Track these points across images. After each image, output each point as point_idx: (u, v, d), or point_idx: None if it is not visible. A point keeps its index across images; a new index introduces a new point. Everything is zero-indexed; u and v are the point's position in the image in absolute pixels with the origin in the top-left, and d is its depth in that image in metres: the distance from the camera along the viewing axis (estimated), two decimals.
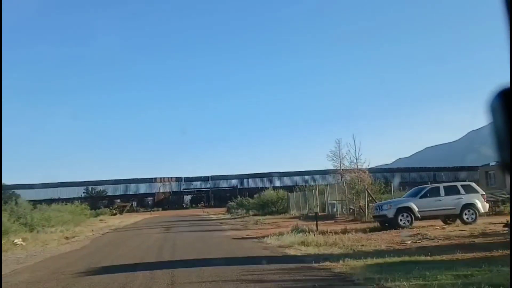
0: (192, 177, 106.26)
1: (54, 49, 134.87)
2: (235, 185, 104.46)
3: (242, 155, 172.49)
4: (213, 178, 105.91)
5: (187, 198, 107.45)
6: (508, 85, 1.31)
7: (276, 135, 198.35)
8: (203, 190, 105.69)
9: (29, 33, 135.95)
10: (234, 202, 59.84)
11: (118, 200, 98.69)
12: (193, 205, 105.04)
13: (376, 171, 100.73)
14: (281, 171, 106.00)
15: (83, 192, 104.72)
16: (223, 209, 77.12)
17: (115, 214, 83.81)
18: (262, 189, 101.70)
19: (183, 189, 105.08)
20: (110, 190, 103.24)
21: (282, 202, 40.73)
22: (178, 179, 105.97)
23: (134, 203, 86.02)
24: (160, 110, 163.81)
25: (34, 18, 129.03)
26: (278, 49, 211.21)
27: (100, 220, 52.95)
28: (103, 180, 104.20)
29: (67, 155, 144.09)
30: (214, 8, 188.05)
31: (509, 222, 15.18)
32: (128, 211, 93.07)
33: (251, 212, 44.16)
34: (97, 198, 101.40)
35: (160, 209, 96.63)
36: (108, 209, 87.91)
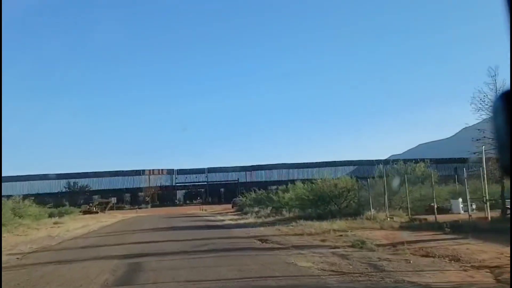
0: (186, 170, 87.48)
1: (53, 46, 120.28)
2: (236, 179, 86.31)
3: (240, 148, 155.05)
4: (211, 170, 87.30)
5: (180, 193, 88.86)
6: (509, 86, 1.23)
7: (273, 129, 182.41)
8: (199, 185, 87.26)
9: (30, 30, 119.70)
10: (245, 197, 41.71)
11: (111, 197, 79.75)
12: (187, 202, 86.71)
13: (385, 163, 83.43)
14: (288, 162, 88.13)
15: (64, 187, 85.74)
16: (225, 207, 59.27)
17: (95, 212, 65.74)
18: (268, 183, 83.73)
19: (176, 183, 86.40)
20: (94, 184, 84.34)
21: (348, 197, 22.48)
22: (170, 172, 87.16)
23: (114, 199, 66.94)
24: (157, 105, 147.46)
25: (36, 14, 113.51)
26: (280, 47, 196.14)
27: (55, 223, 34.27)
28: (83, 173, 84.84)
29: (56, 148, 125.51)
30: (215, 5, 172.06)
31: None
32: (111, 209, 75.03)
33: (285, 213, 26.17)
34: (79, 193, 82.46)
35: (149, 206, 78.49)
36: (88, 206, 69.96)
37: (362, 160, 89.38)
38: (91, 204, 71.50)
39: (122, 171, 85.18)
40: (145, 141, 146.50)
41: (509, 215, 14.60)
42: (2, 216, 27.05)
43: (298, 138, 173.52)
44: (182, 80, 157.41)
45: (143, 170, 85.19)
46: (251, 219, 24.64)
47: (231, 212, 41.99)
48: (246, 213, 33.78)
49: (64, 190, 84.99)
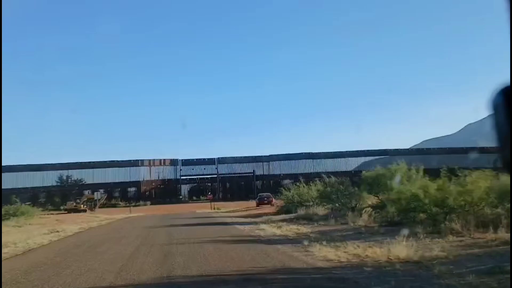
0: (193, 160, 70.96)
1: (54, 40, 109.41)
2: (251, 171, 70.09)
3: (251, 138, 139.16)
4: (221, 161, 70.83)
5: (185, 188, 72.61)
6: (509, 81, 1.17)
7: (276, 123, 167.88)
8: (208, 178, 71.01)
9: (31, 24, 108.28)
10: (290, 190, 25.32)
11: (108, 191, 63.92)
12: (194, 198, 70.27)
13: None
14: (312, 151, 71.74)
15: (56, 181, 69.25)
16: (242, 204, 43.52)
17: (83, 211, 50.35)
18: (291, 176, 67.25)
19: (181, 175, 70.09)
20: (87, 177, 67.71)
21: None
22: (173, 162, 70.67)
23: (98, 194, 50.31)
24: (160, 100, 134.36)
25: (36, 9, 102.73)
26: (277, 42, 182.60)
27: None
28: (75, 163, 68.25)
29: (53, 141, 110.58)
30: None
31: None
32: (102, 206, 59.11)
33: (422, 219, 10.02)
34: (71, 187, 66.08)
35: (149, 202, 62.23)
36: (74, 203, 54.21)
37: (391, 149, 73.28)
38: (78, 201, 55.09)
39: (118, 161, 68.82)
40: (147, 132, 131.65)
41: None
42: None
43: (296, 130, 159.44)
44: (183, 74, 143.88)
45: (142, 160, 68.79)
46: (433, 253, 8.01)
47: (266, 213, 25.64)
48: (312, 219, 17.39)
49: (55, 183, 68.52)
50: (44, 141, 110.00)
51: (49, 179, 68.34)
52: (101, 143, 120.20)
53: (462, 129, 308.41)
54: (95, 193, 46.19)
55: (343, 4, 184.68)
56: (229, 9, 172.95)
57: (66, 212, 49.35)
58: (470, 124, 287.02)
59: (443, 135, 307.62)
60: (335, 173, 63.59)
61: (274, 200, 37.12)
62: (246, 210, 33.81)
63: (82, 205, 52.76)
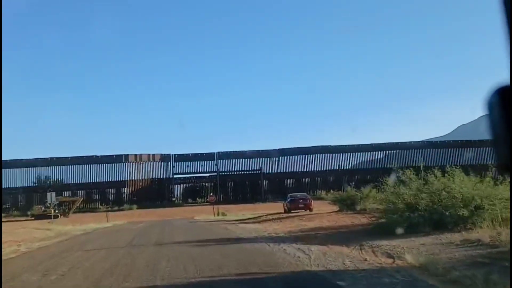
0: (188, 155, 57.97)
1: (52, 41, 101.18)
2: (258, 168, 57.42)
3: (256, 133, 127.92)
4: (222, 156, 58.03)
5: (179, 188, 59.69)
6: (507, 82, 1.16)
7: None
8: (206, 176, 58.13)
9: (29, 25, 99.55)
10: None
11: (91, 192, 52.12)
12: (190, 200, 57.61)
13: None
14: (329, 144, 59.28)
15: (33, 183, 55.87)
16: (249, 207, 32.83)
17: (54, 216, 38.49)
18: (309, 174, 53.83)
19: (174, 173, 57.16)
20: (67, 176, 54.67)
21: None
22: (165, 158, 57.53)
23: (52, 196, 37.06)
24: (158, 101, 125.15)
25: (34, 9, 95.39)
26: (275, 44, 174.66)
27: None
28: (47, 158, 54.97)
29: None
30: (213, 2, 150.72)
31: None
32: (79, 210, 47.64)
33: None
34: (43, 188, 52.87)
35: (135, 206, 49.67)
36: (43, 207, 43.05)
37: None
38: (47, 205, 42.42)
39: (97, 156, 55.56)
40: (139, 128, 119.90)
41: None
42: None
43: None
44: (181, 73, 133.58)
45: (127, 155, 55.57)
46: None
47: (334, 228, 13.21)
48: None
49: (33, 184, 55.27)
50: (19, 136, 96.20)
51: (21, 178, 55.07)
52: (87, 138, 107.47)
53: (454, 130, 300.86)
54: (48, 195, 33.27)
55: (342, 5, 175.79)
56: (229, 10, 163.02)
57: (33, 218, 39.69)
58: (462, 125, 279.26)
59: (436, 136, 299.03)
60: (368, 170, 51.15)
61: (312, 203, 24.82)
62: (279, 219, 21.18)
63: (53, 210, 40.55)
